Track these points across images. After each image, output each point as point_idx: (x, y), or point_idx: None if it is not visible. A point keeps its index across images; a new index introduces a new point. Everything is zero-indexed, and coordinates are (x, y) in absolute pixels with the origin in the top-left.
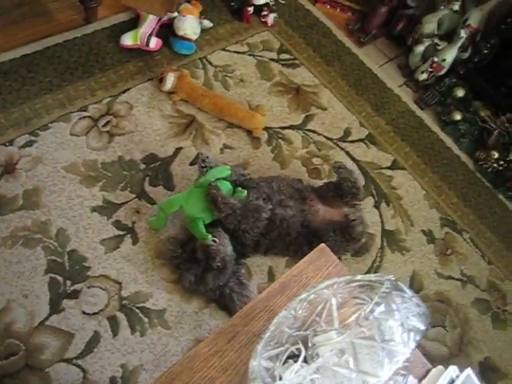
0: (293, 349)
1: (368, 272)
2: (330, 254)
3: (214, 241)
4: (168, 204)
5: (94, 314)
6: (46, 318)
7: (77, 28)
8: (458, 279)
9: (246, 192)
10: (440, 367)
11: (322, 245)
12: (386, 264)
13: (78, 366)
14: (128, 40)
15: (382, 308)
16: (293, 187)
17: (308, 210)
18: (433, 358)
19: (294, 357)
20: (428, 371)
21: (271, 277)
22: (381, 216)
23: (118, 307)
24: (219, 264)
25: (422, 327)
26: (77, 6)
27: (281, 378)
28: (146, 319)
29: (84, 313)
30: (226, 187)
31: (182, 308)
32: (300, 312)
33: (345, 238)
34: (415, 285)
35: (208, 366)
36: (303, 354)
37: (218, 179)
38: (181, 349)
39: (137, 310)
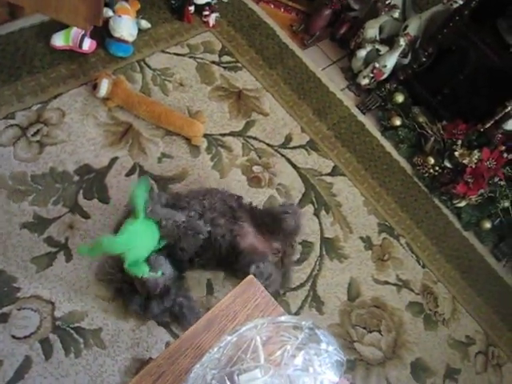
0: None
1: (307, 281)
2: (258, 286)
3: (152, 274)
4: (110, 245)
5: (25, 337)
6: None
7: (1, 24)
8: (393, 284)
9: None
10: None
11: (250, 276)
12: (325, 272)
13: None
14: (59, 40)
15: (297, 361)
16: (226, 204)
17: (237, 230)
18: (369, 362)
19: None
20: None
21: (210, 290)
22: (320, 224)
23: (51, 329)
24: (159, 292)
25: (336, 378)
26: None
27: None
28: (80, 339)
29: (14, 337)
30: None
31: (118, 326)
32: (225, 351)
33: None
34: (352, 292)
35: None
36: None
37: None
38: (117, 368)
39: (71, 331)
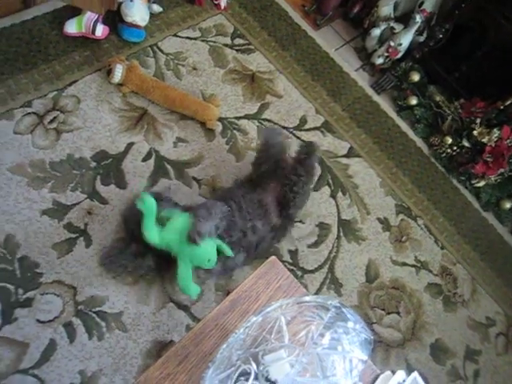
0: (244, 367)
1: (325, 263)
2: (281, 267)
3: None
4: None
5: (49, 321)
6: None
7: (14, 13)
8: (412, 265)
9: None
10: (388, 373)
11: (273, 257)
12: (343, 254)
13: (35, 375)
14: (72, 27)
15: (325, 341)
16: (254, 202)
17: (269, 219)
18: (388, 344)
19: (245, 374)
20: (376, 377)
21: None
22: (337, 206)
23: (74, 313)
24: None
25: (365, 357)
26: None
27: None
28: (103, 323)
29: (38, 321)
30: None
31: (139, 310)
32: (250, 332)
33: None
34: (371, 273)
35: None
36: (254, 372)
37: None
38: (139, 351)
39: (93, 315)
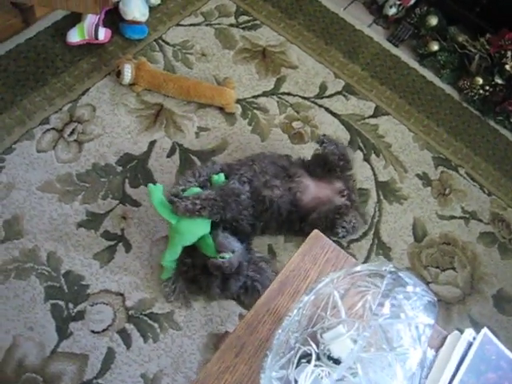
0: (304, 349)
1: (369, 229)
2: (325, 240)
3: (223, 257)
4: (170, 255)
5: (104, 330)
6: (57, 346)
7: (17, 34)
8: (460, 217)
9: (222, 177)
10: (456, 333)
11: (315, 231)
12: (386, 217)
13: None
14: (75, 36)
15: (386, 310)
16: (277, 165)
17: (296, 187)
18: (447, 302)
19: (306, 356)
20: (444, 339)
21: (272, 254)
22: (372, 169)
23: (126, 319)
24: (233, 270)
25: (431, 321)
26: (11, 9)
27: (296, 382)
28: (155, 325)
29: (93, 332)
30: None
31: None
32: (304, 312)
33: (333, 223)
34: (418, 232)
35: None
36: (314, 352)
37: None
38: (196, 346)
39: (145, 318)
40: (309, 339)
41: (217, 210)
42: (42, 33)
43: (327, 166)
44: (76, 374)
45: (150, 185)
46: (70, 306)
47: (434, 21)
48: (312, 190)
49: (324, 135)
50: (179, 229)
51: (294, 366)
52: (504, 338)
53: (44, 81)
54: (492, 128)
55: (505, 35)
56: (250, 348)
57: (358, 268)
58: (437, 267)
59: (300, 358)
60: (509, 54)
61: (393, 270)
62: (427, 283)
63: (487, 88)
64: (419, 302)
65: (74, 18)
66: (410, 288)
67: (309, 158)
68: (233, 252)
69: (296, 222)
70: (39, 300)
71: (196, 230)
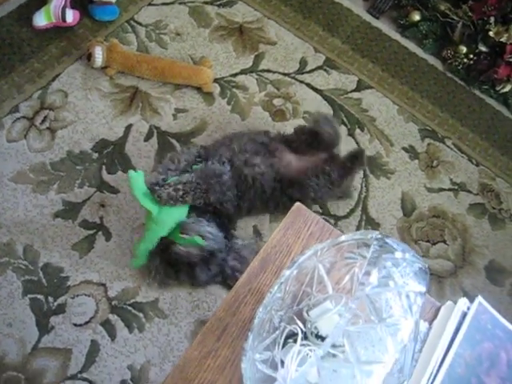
0: (290, 328)
1: (357, 205)
2: (308, 212)
3: (190, 240)
4: (145, 245)
5: (86, 323)
6: (38, 341)
7: None
8: (449, 189)
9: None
10: (449, 303)
11: (297, 204)
12: (374, 192)
13: (85, 379)
14: (41, 20)
15: (373, 279)
16: (257, 142)
17: (278, 162)
18: (440, 275)
19: (293, 336)
20: (437, 310)
21: (257, 235)
22: (357, 143)
23: (109, 310)
24: (196, 259)
25: (423, 288)
26: None
27: (283, 363)
28: (140, 314)
29: (75, 325)
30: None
31: (174, 293)
32: (287, 289)
33: (328, 180)
34: (407, 206)
35: (203, 371)
36: (301, 331)
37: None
38: (184, 334)
39: (129, 308)
40: (295, 317)
41: (200, 193)
42: (6, 17)
43: (317, 143)
44: (59, 369)
45: (131, 171)
46: (50, 299)
47: None
48: (295, 163)
49: (318, 113)
50: (160, 219)
51: (280, 346)
52: (497, 309)
53: (11, 68)
54: (477, 97)
55: (487, 1)
56: (233, 330)
57: (343, 238)
58: (427, 241)
59: (286, 338)
60: (492, 20)
61: (379, 236)
62: None
63: (471, 57)
64: (409, 269)
65: (39, 1)
66: (398, 254)
67: (288, 133)
68: (202, 237)
69: (280, 199)
70: (17, 295)
71: (175, 218)
